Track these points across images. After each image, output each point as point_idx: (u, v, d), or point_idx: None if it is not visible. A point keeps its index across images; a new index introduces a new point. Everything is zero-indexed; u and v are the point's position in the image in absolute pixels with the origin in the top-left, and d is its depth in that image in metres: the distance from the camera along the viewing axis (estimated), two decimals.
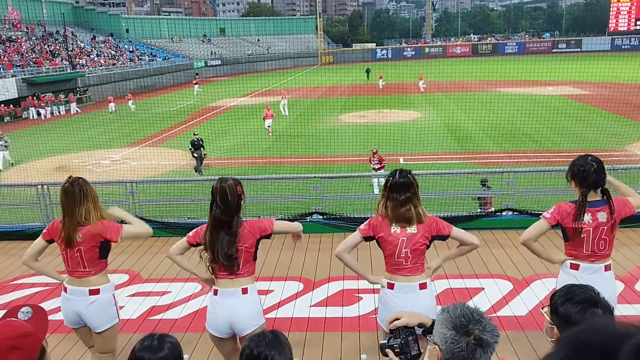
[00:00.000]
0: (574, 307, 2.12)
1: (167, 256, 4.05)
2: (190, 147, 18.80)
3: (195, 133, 19.13)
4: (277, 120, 28.40)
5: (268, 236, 3.93)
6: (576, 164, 3.91)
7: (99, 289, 4.15)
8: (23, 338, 1.89)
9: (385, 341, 2.26)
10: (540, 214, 8.16)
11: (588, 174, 3.83)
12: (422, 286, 3.83)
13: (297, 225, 4.23)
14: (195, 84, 47.48)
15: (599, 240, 3.88)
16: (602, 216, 3.85)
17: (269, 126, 25.33)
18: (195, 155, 18.68)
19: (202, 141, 18.83)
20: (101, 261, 4.19)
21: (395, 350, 2.15)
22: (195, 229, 3.96)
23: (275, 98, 40.16)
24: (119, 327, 4.44)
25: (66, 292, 4.19)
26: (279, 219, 8.59)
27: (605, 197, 3.91)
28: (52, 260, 5.41)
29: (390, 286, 3.85)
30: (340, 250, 3.95)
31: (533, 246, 3.96)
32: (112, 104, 36.56)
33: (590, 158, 3.89)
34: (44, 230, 4.25)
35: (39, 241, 4.24)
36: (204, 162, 18.89)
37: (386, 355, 2.23)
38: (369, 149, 19.55)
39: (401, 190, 3.73)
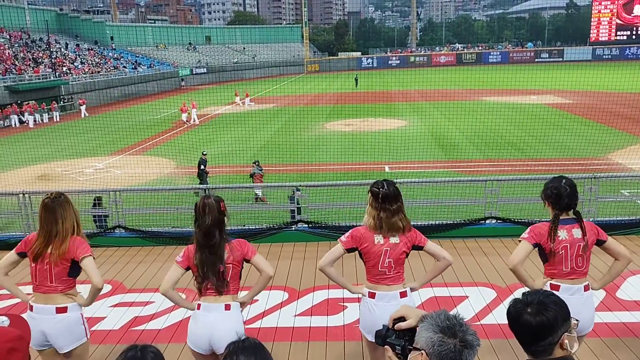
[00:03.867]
0: (514, 305, 2.25)
1: (162, 293, 3.88)
2: (201, 167, 16.88)
3: (204, 152, 17.40)
4: (262, 128, 28.38)
5: (247, 261, 3.91)
6: (550, 187, 3.98)
7: (66, 307, 4.01)
8: (19, 340, 1.94)
9: (383, 332, 2.22)
10: (524, 222, 8.25)
11: (561, 197, 3.90)
12: (403, 294, 3.92)
13: (269, 270, 3.91)
14: (82, 104, 41.59)
15: (577, 257, 3.90)
16: (577, 232, 3.90)
17: (186, 119, 32.49)
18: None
19: (205, 162, 17.02)
20: (69, 279, 4.05)
21: (396, 351, 2.13)
22: (183, 252, 3.88)
23: (261, 105, 40.21)
24: (89, 345, 4.29)
25: (32, 310, 4.03)
26: (264, 229, 8.62)
27: (576, 217, 3.97)
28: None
29: (372, 295, 3.93)
30: (323, 263, 3.97)
31: (520, 271, 3.96)
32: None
33: (564, 182, 3.95)
34: (21, 244, 4.11)
35: (11, 255, 4.11)
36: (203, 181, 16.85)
37: (381, 344, 2.21)
38: (354, 157, 19.66)
39: (392, 201, 3.82)
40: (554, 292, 3.87)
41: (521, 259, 3.93)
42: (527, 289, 4.00)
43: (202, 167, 16.98)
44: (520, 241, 4.02)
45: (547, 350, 2.20)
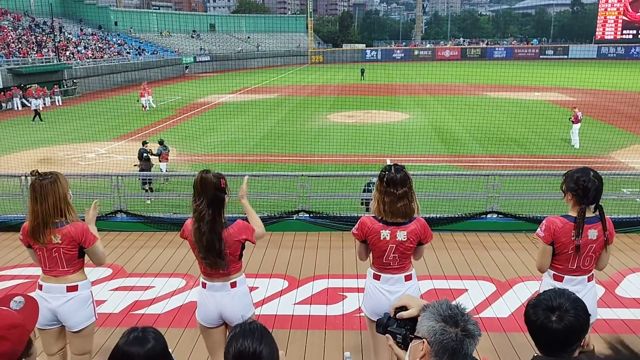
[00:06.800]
0: (535, 311, 2.19)
1: None
2: (142, 158, 15.18)
3: (146, 141, 16.20)
4: (264, 118, 28.34)
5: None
6: (576, 178, 3.69)
7: (76, 286, 3.98)
8: (10, 329, 1.86)
9: (385, 320, 2.23)
10: (525, 217, 8.22)
11: (589, 192, 3.64)
12: (407, 278, 3.96)
13: (261, 225, 4.22)
14: (23, 96, 36.92)
15: (585, 257, 3.79)
16: (593, 234, 3.72)
17: (143, 104, 33.09)
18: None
19: (148, 152, 15.30)
20: (79, 260, 4.03)
21: (397, 340, 2.15)
22: (184, 226, 3.93)
23: (264, 95, 40.13)
24: (95, 326, 4.30)
25: (41, 289, 3.97)
26: (264, 218, 8.62)
27: (598, 213, 3.77)
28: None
29: (377, 277, 3.96)
30: (361, 260, 4.14)
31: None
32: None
33: (592, 174, 3.67)
34: (22, 239, 4.00)
35: (30, 252, 4.05)
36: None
37: (382, 332, 2.22)
38: (356, 149, 19.64)
39: (398, 185, 3.72)
40: (557, 282, 3.88)
41: (547, 262, 3.90)
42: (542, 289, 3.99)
43: (142, 158, 15.17)
44: (536, 237, 3.90)
45: (572, 354, 2.19)
